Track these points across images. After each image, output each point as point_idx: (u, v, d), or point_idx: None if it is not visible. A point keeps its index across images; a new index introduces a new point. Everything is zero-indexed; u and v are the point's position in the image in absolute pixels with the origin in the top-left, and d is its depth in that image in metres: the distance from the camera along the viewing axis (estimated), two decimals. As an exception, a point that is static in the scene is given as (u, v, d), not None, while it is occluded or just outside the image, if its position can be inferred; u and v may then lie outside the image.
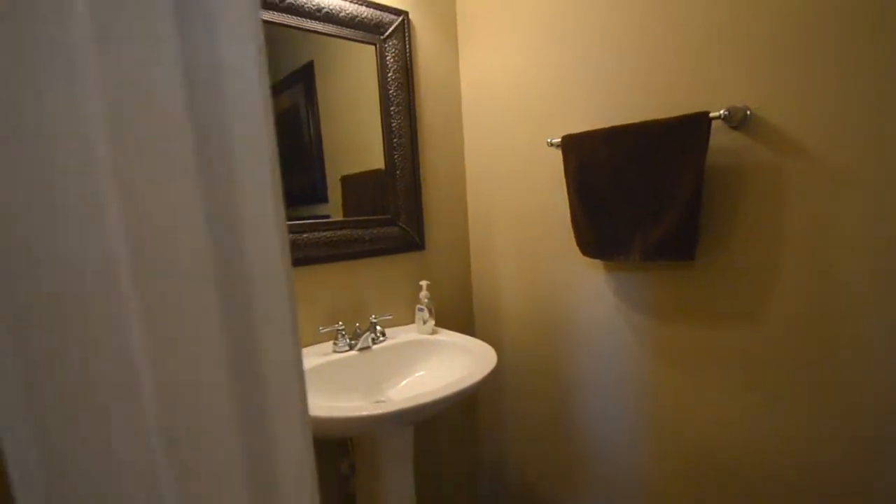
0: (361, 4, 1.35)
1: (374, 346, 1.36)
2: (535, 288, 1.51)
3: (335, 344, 1.31)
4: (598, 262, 1.30)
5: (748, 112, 0.94)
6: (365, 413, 1.00)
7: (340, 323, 1.33)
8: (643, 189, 1.07)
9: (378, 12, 1.39)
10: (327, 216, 1.35)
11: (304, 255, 1.29)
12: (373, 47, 1.40)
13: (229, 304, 0.25)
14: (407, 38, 1.46)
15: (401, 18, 1.44)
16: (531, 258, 1.50)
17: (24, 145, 0.20)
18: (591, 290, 1.34)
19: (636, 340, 1.24)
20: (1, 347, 0.20)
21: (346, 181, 1.38)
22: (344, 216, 1.38)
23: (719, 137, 0.98)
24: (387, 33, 1.42)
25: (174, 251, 0.23)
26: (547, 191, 1.41)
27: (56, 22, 0.20)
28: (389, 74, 1.44)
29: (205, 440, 0.24)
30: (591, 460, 1.42)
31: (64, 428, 0.22)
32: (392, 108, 1.45)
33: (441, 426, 1.68)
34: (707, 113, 0.94)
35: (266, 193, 0.25)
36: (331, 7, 1.29)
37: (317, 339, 1.35)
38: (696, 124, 0.95)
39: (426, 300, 1.48)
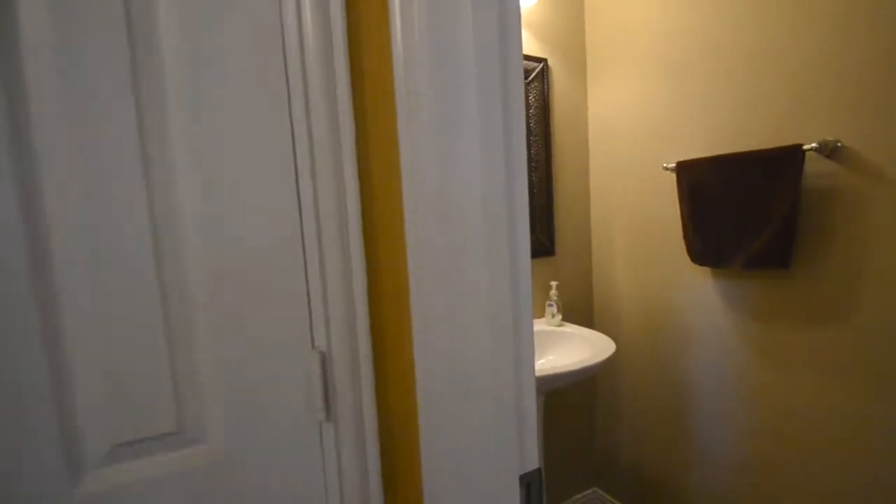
0: (510, 60, 1.71)
1: (512, 331, 1.70)
2: (649, 290, 1.73)
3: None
4: (705, 269, 1.50)
5: (838, 144, 1.11)
6: (508, 373, 1.35)
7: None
8: (745, 207, 1.27)
9: (524, 61, 1.74)
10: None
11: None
12: (518, 92, 1.75)
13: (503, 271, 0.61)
14: (545, 80, 1.79)
15: (541, 65, 1.77)
16: (646, 265, 1.74)
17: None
18: (698, 294, 1.54)
19: (738, 339, 1.42)
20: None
21: (493, 198, 1.75)
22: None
23: (813, 164, 1.16)
24: (530, 78, 1.76)
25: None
26: (661, 207, 1.64)
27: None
28: (530, 111, 1.78)
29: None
30: (696, 447, 1.60)
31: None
32: (531, 138, 1.79)
33: (564, 407, 1.97)
34: (801, 145, 1.13)
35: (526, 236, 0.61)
36: (487, 65, 1.68)
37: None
38: (791, 155, 1.14)
39: (555, 298, 1.79)
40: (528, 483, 0.67)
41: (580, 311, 1.98)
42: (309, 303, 0.61)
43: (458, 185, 0.57)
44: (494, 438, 0.65)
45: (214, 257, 0.54)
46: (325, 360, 0.62)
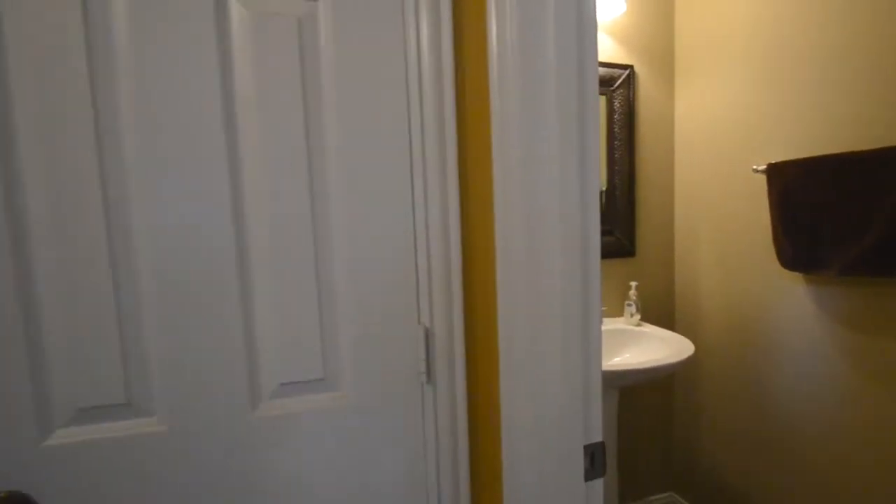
0: (599, 66, 1.78)
1: (589, 327, 1.77)
2: (735, 294, 1.72)
3: (560, 320, 1.77)
4: (796, 274, 1.47)
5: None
6: (583, 365, 1.44)
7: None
8: (843, 211, 1.25)
9: (610, 69, 1.80)
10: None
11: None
12: (604, 97, 1.81)
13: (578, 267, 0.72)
14: (631, 86, 1.83)
15: (627, 72, 1.82)
16: (732, 268, 1.72)
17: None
18: (788, 299, 1.51)
19: (832, 347, 1.39)
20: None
21: (575, 200, 1.83)
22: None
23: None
24: (615, 85, 1.81)
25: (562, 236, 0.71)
26: (749, 210, 1.62)
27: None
28: (615, 116, 1.83)
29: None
30: (782, 457, 1.58)
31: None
32: (616, 142, 1.84)
33: (641, 408, 2.00)
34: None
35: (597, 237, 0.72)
36: (573, 72, 1.75)
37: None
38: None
39: (634, 298, 1.83)
40: (593, 452, 0.78)
41: (660, 312, 1.99)
42: (417, 287, 0.77)
43: (540, 188, 0.69)
44: (564, 411, 0.76)
45: (352, 248, 0.72)
46: (427, 334, 0.78)
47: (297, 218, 0.69)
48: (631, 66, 1.82)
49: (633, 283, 1.83)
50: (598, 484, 0.78)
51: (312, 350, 0.71)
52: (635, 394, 1.98)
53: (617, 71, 1.80)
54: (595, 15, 0.71)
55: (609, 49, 1.80)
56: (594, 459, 0.78)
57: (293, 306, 0.69)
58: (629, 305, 1.83)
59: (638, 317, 1.82)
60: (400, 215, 0.74)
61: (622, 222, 1.88)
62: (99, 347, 0.62)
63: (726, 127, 1.70)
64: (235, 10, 0.64)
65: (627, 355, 1.75)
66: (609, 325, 1.82)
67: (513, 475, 0.76)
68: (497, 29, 0.68)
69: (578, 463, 0.77)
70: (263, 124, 0.66)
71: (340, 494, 0.72)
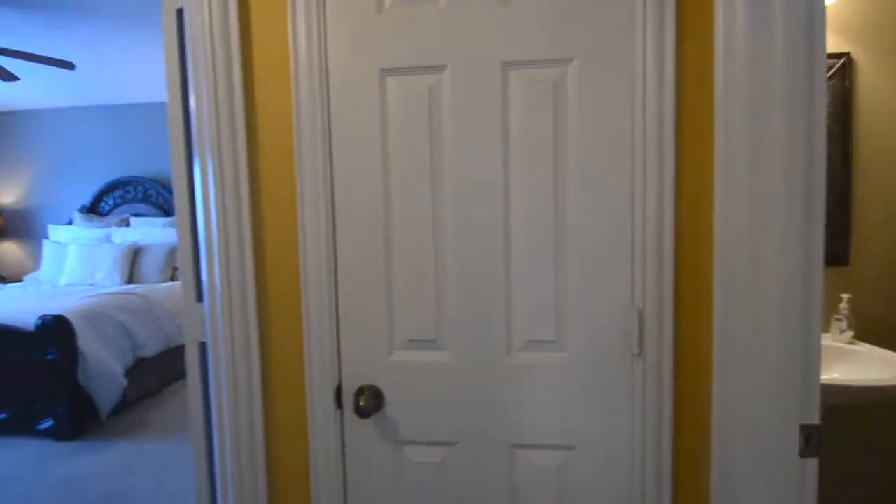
0: (803, 58, 1.65)
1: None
2: None
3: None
4: None
5: None
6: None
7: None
8: None
9: (819, 61, 1.65)
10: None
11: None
12: (811, 91, 1.67)
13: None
14: (847, 76, 1.66)
15: (842, 61, 1.65)
16: None
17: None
18: None
19: None
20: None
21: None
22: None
23: None
24: (826, 76, 1.66)
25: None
26: None
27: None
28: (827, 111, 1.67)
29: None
30: None
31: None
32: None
33: (851, 440, 1.74)
34: None
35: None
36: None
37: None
38: None
39: (846, 312, 1.62)
40: (808, 434, 0.77)
41: (882, 331, 1.72)
42: (632, 276, 0.89)
43: (764, 187, 0.74)
44: (781, 388, 0.78)
45: (582, 244, 0.90)
46: (640, 315, 0.89)
47: (543, 220, 0.91)
48: (847, 54, 1.65)
49: (845, 296, 1.63)
50: (813, 463, 0.76)
51: (549, 318, 0.92)
52: (844, 422, 1.73)
53: (829, 61, 1.65)
54: (825, 12, 0.73)
55: (820, 39, 1.66)
56: (809, 440, 0.77)
57: (538, 284, 0.92)
58: (839, 320, 1.64)
59: (850, 333, 1.62)
60: (620, 220, 0.89)
61: (831, 227, 1.69)
62: (423, 302, 0.94)
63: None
64: (513, 82, 0.89)
65: (836, 375, 1.56)
66: (812, 339, 1.64)
67: (723, 443, 0.80)
68: (724, 42, 0.76)
69: (794, 439, 0.77)
70: (527, 157, 0.90)
71: (558, 431, 0.93)
